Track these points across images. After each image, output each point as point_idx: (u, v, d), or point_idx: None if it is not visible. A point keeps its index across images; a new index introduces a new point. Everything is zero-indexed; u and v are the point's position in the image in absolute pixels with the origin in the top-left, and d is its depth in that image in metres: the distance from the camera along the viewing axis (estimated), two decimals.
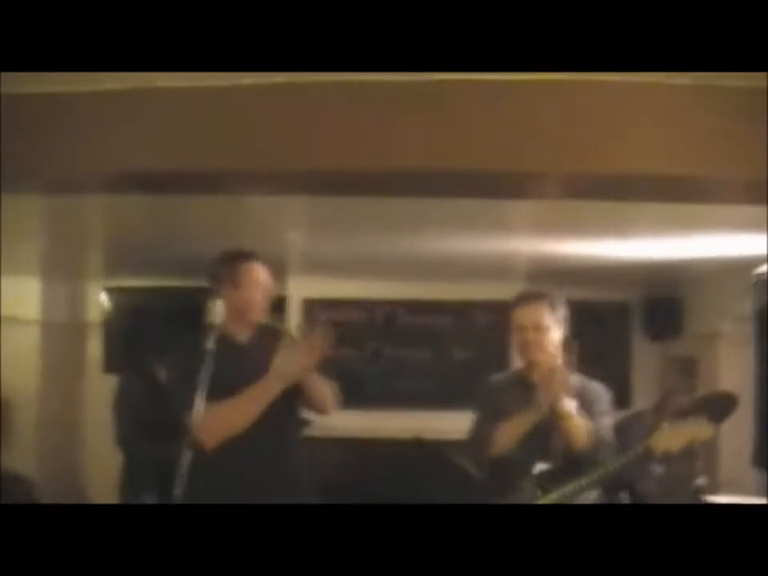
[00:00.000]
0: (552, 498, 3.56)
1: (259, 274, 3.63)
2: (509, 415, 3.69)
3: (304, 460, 3.74)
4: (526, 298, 3.74)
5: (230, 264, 3.63)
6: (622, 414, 6.39)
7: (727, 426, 5.69)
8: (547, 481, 3.63)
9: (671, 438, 3.57)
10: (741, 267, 5.62)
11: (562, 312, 3.73)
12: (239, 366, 3.50)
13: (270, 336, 3.59)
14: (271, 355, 3.48)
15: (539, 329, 3.67)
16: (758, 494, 5.73)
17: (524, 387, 3.72)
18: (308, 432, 7.21)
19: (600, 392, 3.81)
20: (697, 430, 3.63)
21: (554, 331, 3.70)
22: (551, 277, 7.39)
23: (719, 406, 5.45)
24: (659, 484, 5.70)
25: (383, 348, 8.03)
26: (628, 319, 8.29)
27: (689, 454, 4.81)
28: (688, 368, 7.62)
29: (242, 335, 3.63)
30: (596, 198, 3.45)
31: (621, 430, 4.47)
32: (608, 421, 3.75)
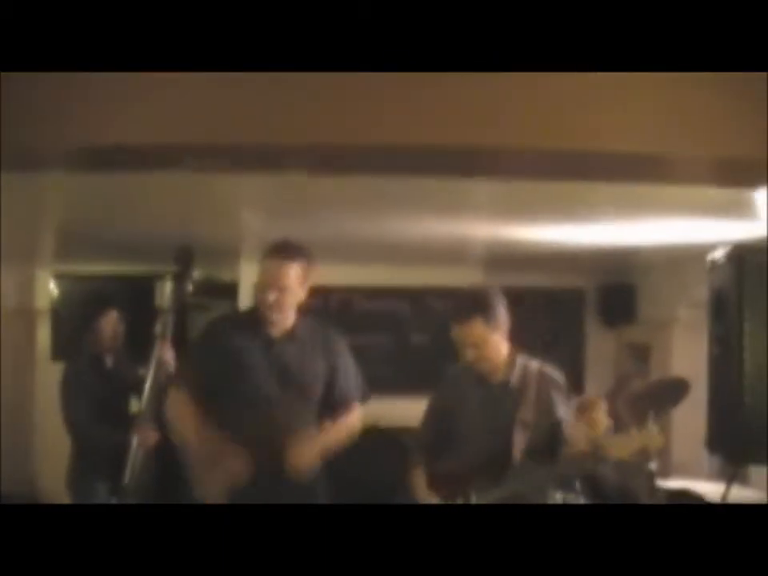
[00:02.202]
0: (501, 492, 3.62)
1: (285, 274, 3.57)
2: (460, 405, 3.85)
3: None
4: (461, 316, 3.77)
5: (266, 259, 3.62)
6: (577, 399, 6.42)
7: (680, 411, 5.73)
8: (499, 474, 3.69)
9: (623, 445, 3.70)
10: (696, 253, 5.64)
11: (500, 308, 3.79)
12: (267, 357, 3.59)
13: (304, 333, 3.65)
14: (298, 354, 3.60)
15: (478, 345, 3.75)
16: (709, 477, 5.79)
17: (480, 379, 3.85)
18: None
19: (557, 379, 3.90)
20: (648, 438, 3.78)
21: (494, 333, 3.77)
22: (507, 263, 7.43)
23: (672, 392, 5.50)
24: (613, 469, 5.73)
25: None
26: (583, 305, 8.34)
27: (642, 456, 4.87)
28: (642, 354, 7.68)
29: (276, 327, 3.64)
30: (552, 177, 3.44)
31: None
32: (566, 412, 3.83)
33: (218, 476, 3.39)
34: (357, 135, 2.84)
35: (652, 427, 3.83)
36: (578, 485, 5.07)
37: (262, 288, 3.57)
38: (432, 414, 3.99)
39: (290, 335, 3.64)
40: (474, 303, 3.77)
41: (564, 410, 3.82)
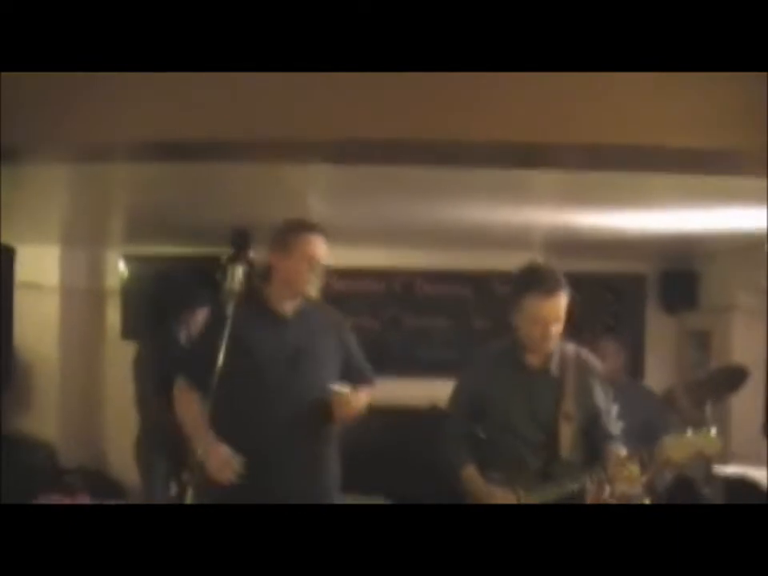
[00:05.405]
0: (552, 491, 3.47)
1: (315, 248, 3.57)
2: (496, 390, 3.64)
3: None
4: (547, 288, 3.47)
5: (287, 233, 3.60)
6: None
7: (739, 397, 5.74)
8: (547, 470, 3.54)
9: (678, 448, 3.47)
10: (756, 240, 5.64)
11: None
12: (280, 337, 3.55)
13: (314, 314, 3.63)
14: (310, 333, 3.56)
15: (559, 321, 3.50)
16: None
17: (519, 365, 3.63)
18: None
19: (595, 365, 3.68)
20: (705, 442, 3.53)
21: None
22: (569, 248, 7.44)
23: (731, 379, 5.50)
24: None
25: (402, 317, 8.08)
26: (644, 291, 8.31)
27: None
28: (702, 340, 7.66)
29: (287, 307, 3.62)
30: (614, 169, 3.47)
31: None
32: (605, 401, 3.65)
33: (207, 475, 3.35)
34: (424, 128, 2.91)
35: (711, 431, 3.65)
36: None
37: (296, 261, 3.54)
38: (464, 397, 3.79)
39: (299, 314, 3.61)
40: (558, 278, 3.49)
41: (602, 398, 3.59)
